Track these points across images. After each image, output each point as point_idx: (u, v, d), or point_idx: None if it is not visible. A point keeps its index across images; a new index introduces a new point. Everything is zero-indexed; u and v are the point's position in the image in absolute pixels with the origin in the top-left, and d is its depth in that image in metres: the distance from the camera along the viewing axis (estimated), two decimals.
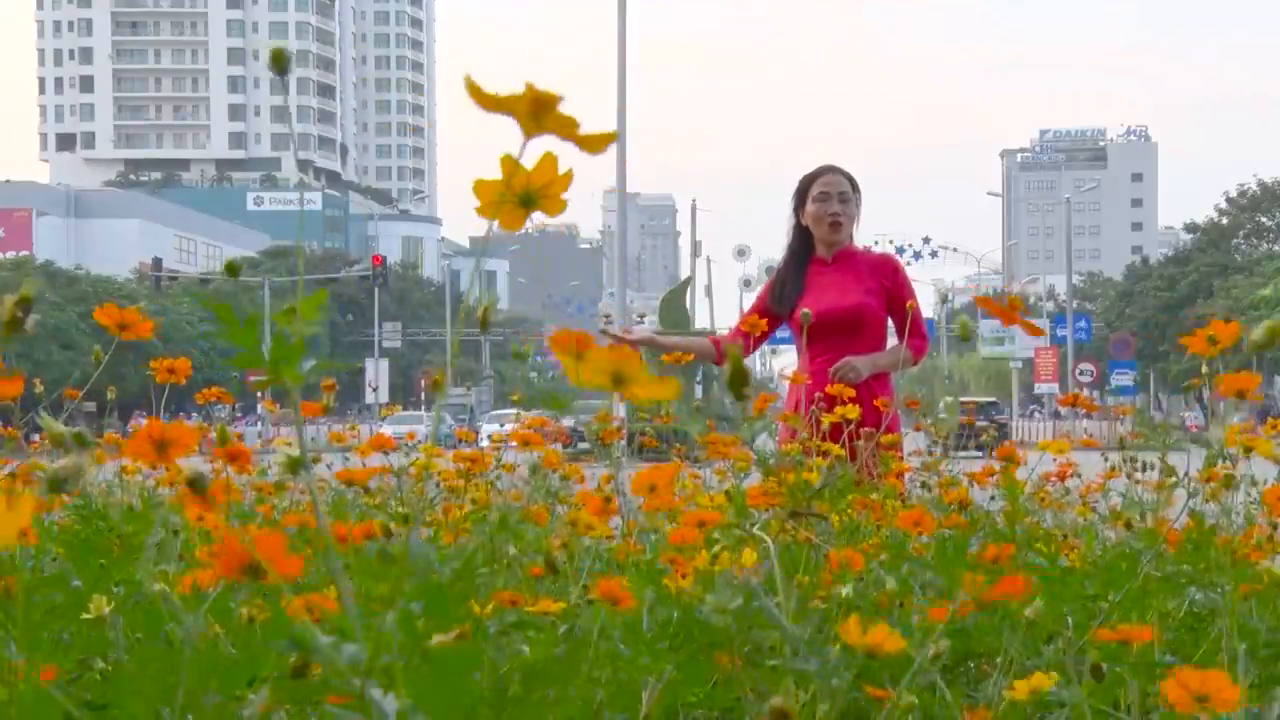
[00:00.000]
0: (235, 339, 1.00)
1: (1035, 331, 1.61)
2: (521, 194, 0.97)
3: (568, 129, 0.95)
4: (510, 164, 0.97)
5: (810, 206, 4.43)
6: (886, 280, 4.40)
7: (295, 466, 1.13)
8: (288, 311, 1.02)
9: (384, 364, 51.26)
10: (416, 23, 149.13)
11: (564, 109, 0.95)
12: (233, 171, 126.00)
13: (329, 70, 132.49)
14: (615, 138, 0.96)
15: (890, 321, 4.43)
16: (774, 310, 4.45)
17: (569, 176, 0.97)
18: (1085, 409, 2.73)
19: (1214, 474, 1.87)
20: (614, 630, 1.54)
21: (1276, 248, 56.08)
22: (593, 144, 0.96)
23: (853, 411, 2.83)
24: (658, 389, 1.01)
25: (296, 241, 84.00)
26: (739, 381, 1.19)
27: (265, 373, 1.00)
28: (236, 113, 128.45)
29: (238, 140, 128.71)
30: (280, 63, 1.18)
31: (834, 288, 4.36)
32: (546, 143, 0.98)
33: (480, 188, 0.98)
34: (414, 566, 1.07)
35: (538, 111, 0.94)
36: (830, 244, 4.44)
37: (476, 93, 0.94)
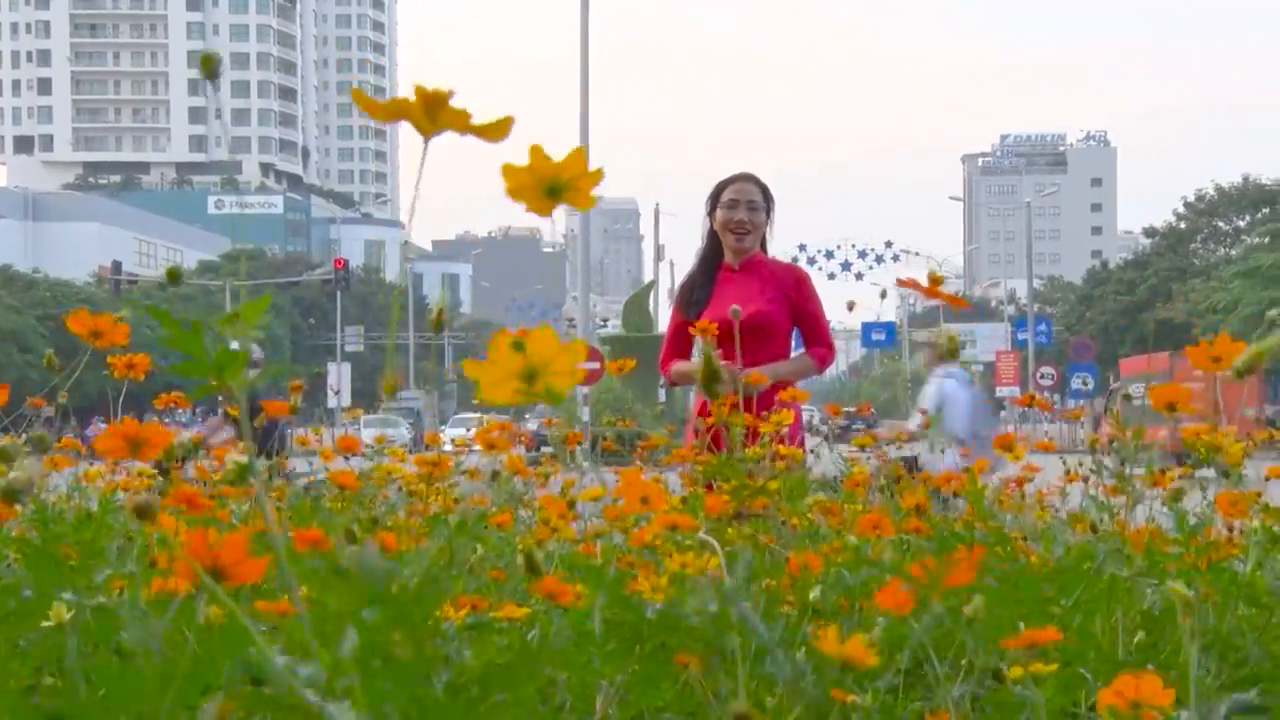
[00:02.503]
0: (179, 345, 1.00)
1: (959, 304, 1.63)
2: (549, 184, 0.96)
3: (462, 123, 0.95)
4: (538, 154, 0.96)
5: (719, 213, 4.46)
6: (790, 290, 4.41)
7: (244, 474, 1.12)
8: (231, 316, 1.01)
9: (346, 368, 51.00)
10: (378, 26, 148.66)
11: (454, 104, 0.95)
12: (193, 175, 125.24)
13: (290, 73, 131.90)
14: (512, 121, 0.96)
15: (801, 331, 4.47)
16: (684, 317, 4.47)
17: (599, 173, 0.97)
18: (1041, 409, 2.75)
19: (1161, 479, 1.88)
20: (569, 634, 1.54)
21: (1234, 252, 56.58)
22: (491, 132, 0.95)
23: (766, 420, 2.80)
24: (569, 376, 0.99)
25: (255, 245, 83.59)
26: (712, 378, 1.18)
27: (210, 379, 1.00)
28: (197, 116, 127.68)
29: (198, 143, 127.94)
30: (209, 67, 1.18)
31: (737, 295, 4.36)
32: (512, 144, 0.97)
33: (508, 172, 0.97)
34: (369, 579, 1.06)
35: (431, 111, 0.95)
36: (737, 251, 4.46)
37: (367, 105, 0.96)
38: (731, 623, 1.37)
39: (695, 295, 4.49)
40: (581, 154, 0.96)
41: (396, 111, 0.95)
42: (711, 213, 4.52)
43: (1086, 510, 2.33)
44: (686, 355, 4.56)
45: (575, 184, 0.97)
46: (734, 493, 1.93)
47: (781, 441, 2.78)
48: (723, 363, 4.20)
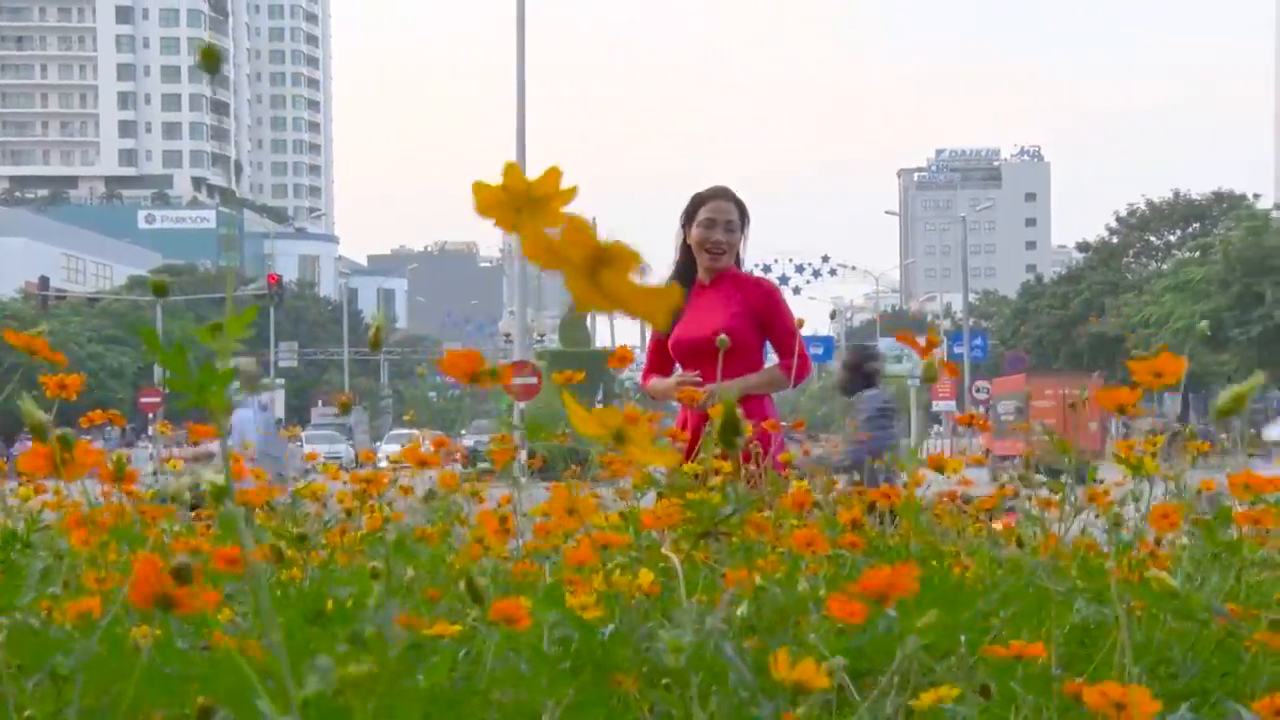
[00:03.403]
0: (166, 364, 0.98)
1: (948, 370, 1.65)
2: (521, 201, 0.90)
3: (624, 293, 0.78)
4: (513, 171, 0.91)
5: (695, 231, 4.46)
6: (758, 305, 4.42)
7: (220, 495, 1.10)
8: (213, 327, 1.00)
9: (280, 388, 50.57)
10: (312, 39, 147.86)
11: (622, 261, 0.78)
12: (123, 189, 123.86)
13: (224, 87, 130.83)
14: (676, 297, 0.80)
15: (772, 346, 4.50)
16: (658, 333, 4.51)
17: (573, 191, 0.91)
18: (980, 428, 2.78)
19: (1097, 494, 1.91)
20: (513, 653, 1.54)
21: (1165, 266, 57.45)
22: (651, 311, 0.78)
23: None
24: (658, 455, 1.00)
25: (189, 260, 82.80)
26: (730, 430, 1.14)
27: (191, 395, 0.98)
28: (127, 129, 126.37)
29: (128, 157, 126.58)
30: (211, 60, 1.16)
31: (705, 312, 4.39)
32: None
33: (479, 190, 0.92)
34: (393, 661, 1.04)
35: (596, 269, 0.78)
36: (710, 269, 4.48)
37: (536, 254, 0.80)
38: (707, 660, 1.35)
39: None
40: (556, 171, 0.93)
41: (556, 261, 0.77)
42: (686, 226, 4.52)
43: (1020, 523, 2.36)
44: (666, 371, 4.60)
45: (547, 202, 0.92)
46: (700, 511, 1.93)
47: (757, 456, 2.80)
48: (691, 378, 4.24)
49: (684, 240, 4.53)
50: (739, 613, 1.52)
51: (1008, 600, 1.80)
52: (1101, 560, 1.96)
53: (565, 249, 0.78)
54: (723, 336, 3.73)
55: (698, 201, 4.50)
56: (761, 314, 4.42)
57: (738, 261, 4.56)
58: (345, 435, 45.62)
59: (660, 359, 4.59)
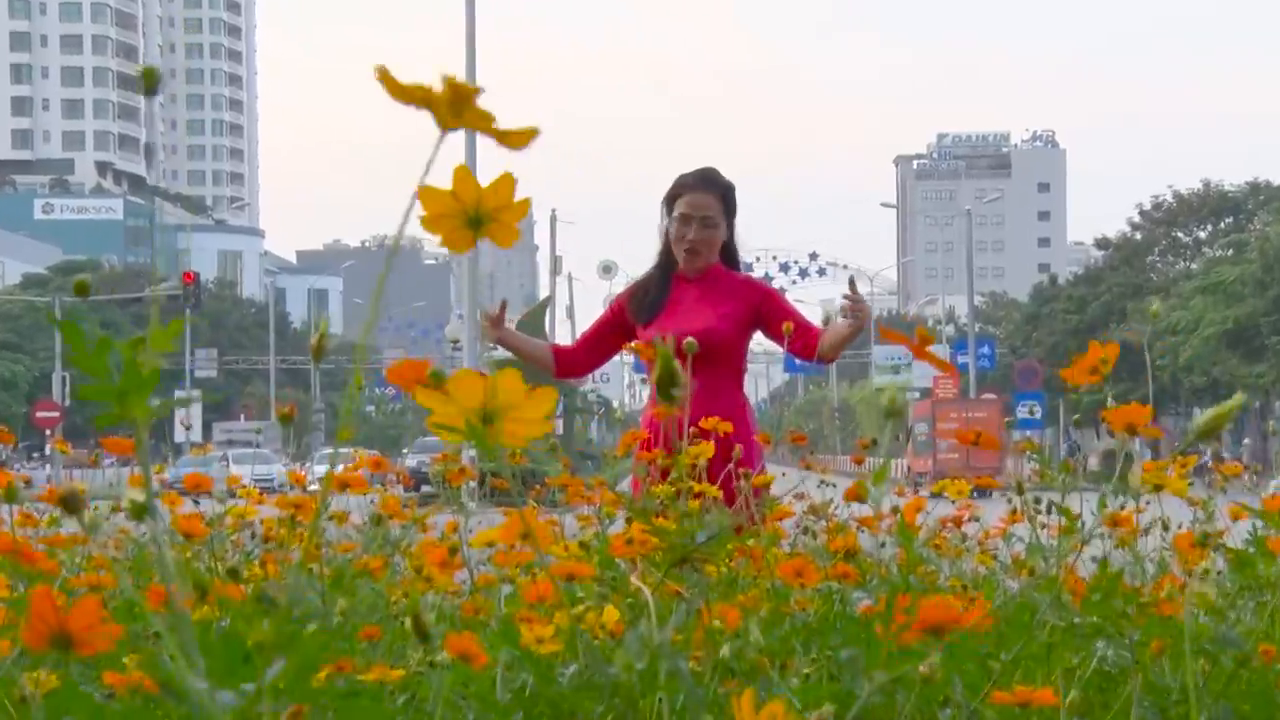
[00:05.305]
0: (84, 365, 0.98)
1: (946, 368, 1.66)
2: (471, 213, 0.99)
3: (486, 124, 0.99)
4: (463, 176, 1.00)
5: (672, 226, 4.46)
6: (757, 305, 4.42)
7: (141, 513, 1.11)
8: (136, 341, 1.00)
9: (196, 398, 50.34)
10: (234, 6, 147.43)
11: (482, 103, 0.99)
12: (17, 174, 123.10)
13: (131, 59, 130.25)
14: (536, 133, 0.99)
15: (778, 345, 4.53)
16: (631, 320, 4.50)
17: (526, 204, 1.00)
18: (986, 448, 2.79)
19: (1121, 518, 1.92)
20: (461, 698, 1.54)
21: (1194, 266, 57.73)
22: (514, 139, 0.99)
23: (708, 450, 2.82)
24: (534, 426, 1.02)
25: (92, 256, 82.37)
26: (668, 381, 1.19)
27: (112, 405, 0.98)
28: (21, 106, 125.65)
29: (23, 139, 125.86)
30: (151, 82, 1.20)
31: (686, 310, 4.39)
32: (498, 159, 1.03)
33: (428, 197, 1.00)
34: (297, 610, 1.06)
35: (457, 105, 0.98)
36: (688, 268, 4.47)
37: (391, 84, 0.98)
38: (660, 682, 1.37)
39: (649, 298, 4.51)
40: (510, 181, 0.98)
41: (418, 97, 0.98)
42: (668, 214, 4.52)
43: (1031, 554, 2.37)
44: (596, 352, 4.65)
45: (500, 215, 0.99)
46: (675, 538, 1.93)
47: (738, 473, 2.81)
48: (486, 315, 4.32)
49: (666, 227, 4.52)
50: (721, 653, 1.53)
51: (1009, 641, 1.81)
52: (1122, 594, 1.98)
53: (425, 90, 0.98)
54: (690, 340, 3.73)
55: (677, 189, 4.48)
56: (763, 315, 4.43)
57: (734, 255, 4.56)
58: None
59: (598, 338, 4.63)
